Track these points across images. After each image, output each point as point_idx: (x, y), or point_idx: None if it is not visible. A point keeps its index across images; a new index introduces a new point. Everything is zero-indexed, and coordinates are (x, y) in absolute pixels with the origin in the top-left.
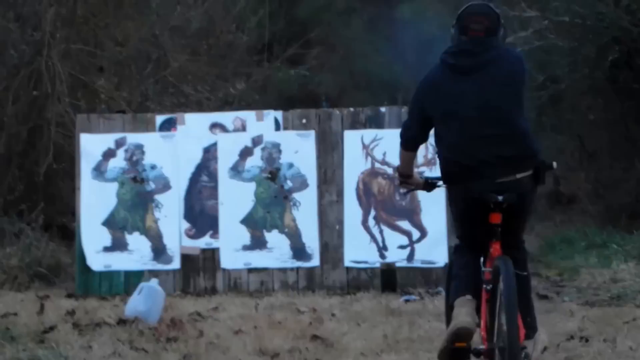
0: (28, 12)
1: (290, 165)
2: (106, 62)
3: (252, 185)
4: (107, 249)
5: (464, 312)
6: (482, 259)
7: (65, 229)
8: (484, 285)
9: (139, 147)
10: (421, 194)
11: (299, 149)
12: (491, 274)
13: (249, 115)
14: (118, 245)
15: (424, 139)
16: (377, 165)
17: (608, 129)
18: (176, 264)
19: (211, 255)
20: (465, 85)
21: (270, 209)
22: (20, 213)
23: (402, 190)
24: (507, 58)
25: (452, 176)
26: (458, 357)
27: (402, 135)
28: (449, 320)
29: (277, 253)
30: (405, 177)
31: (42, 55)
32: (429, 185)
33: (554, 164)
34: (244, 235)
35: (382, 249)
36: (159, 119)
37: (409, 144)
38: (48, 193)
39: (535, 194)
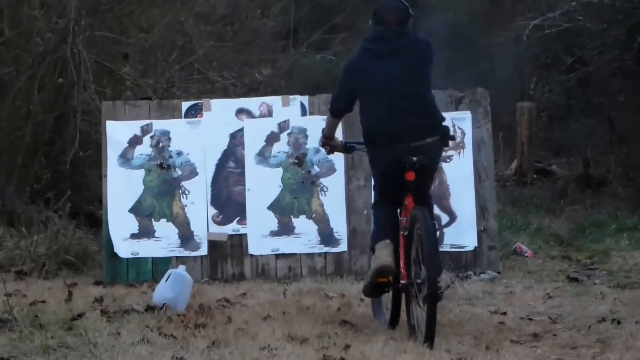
0: (53, 0)
1: (317, 151)
2: (131, 49)
3: (279, 171)
4: (134, 236)
5: (385, 253)
6: (398, 211)
7: (92, 216)
8: (402, 232)
9: (165, 134)
10: (450, 179)
11: None
12: (408, 222)
13: (275, 101)
14: (145, 232)
15: (349, 110)
16: None
17: (638, 111)
18: (203, 251)
19: (239, 241)
20: (384, 67)
21: (298, 195)
22: (47, 201)
23: (325, 151)
24: (417, 44)
25: (376, 142)
26: (380, 290)
27: (331, 104)
28: (374, 260)
29: (304, 239)
30: (328, 139)
31: (67, 43)
32: (347, 148)
33: (456, 135)
34: (272, 221)
35: None
36: (185, 105)
37: (336, 112)
38: (75, 181)
39: (441, 156)
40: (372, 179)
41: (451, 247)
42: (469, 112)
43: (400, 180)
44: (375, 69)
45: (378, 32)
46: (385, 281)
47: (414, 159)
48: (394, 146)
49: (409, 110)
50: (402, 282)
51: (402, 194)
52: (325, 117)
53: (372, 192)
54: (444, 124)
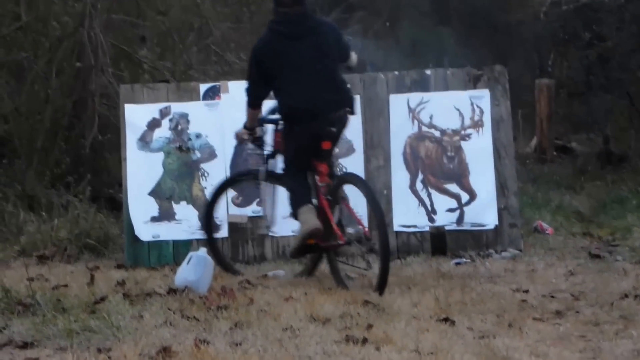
0: None
1: None
2: (148, 32)
3: None
4: (154, 219)
5: (311, 217)
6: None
7: (113, 200)
8: (327, 196)
9: (184, 117)
10: (470, 158)
11: None
12: (331, 187)
13: None
14: (165, 215)
15: (267, 94)
16: (424, 128)
17: None
18: (224, 233)
19: (259, 223)
20: (298, 48)
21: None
22: (67, 185)
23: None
24: (325, 27)
25: (297, 118)
26: (307, 251)
27: (249, 96)
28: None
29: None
30: (251, 131)
31: (84, 27)
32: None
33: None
34: None
35: (430, 212)
36: (203, 87)
37: (257, 102)
38: (94, 165)
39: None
40: (285, 153)
41: (472, 226)
42: (487, 90)
43: (316, 150)
44: (290, 50)
45: (286, 16)
46: (313, 242)
47: (333, 129)
48: (313, 120)
49: (324, 86)
50: (339, 242)
51: (316, 162)
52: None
53: (392, 173)
54: (351, 96)
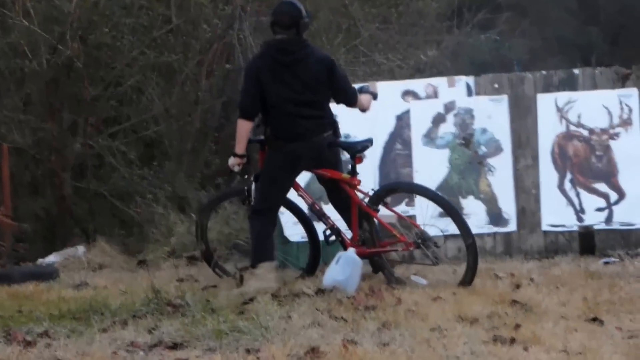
0: None
1: (484, 131)
2: None
3: (446, 152)
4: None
5: (271, 277)
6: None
7: None
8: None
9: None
10: (618, 157)
11: (492, 114)
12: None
13: (440, 82)
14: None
15: (258, 110)
16: (572, 127)
17: None
18: None
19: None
20: (287, 77)
21: (465, 175)
22: (217, 187)
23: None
24: (314, 59)
25: (279, 142)
26: None
27: (243, 106)
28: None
29: (473, 219)
30: (242, 157)
31: (234, 29)
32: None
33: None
34: None
35: (579, 212)
36: None
37: (251, 113)
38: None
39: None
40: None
41: (621, 225)
42: (636, 89)
43: (293, 171)
44: (280, 78)
45: (281, 43)
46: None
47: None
48: (294, 142)
49: (309, 115)
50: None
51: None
52: (491, 97)
53: (540, 172)
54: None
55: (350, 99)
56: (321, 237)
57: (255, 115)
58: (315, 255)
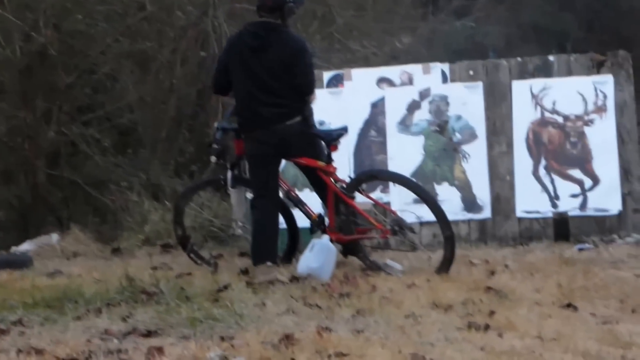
0: None
1: (459, 118)
2: None
3: (420, 139)
4: None
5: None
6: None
7: None
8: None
9: None
10: (593, 143)
11: (467, 101)
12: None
13: (415, 69)
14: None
15: (229, 88)
16: (547, 114)
17: None
18: None
19: (382, 209)
20: (252, 62)
21: (440, 162)
22: (191, 174)
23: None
24: (282, 44)
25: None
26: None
27: (214, 85)
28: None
29: (448, 206)
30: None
31: (208, 16)
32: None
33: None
34: None
35: (553, 198)
36: (326, 75)
37: (221, 90)
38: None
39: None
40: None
41: (595, 211)
42: (610, 76)
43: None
44: (248, 63)
45: (255, 26)
46: None
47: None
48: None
49: (271, 103)
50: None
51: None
52: (466, 84)
53: (515, 159)
54: (303, 108)
55: (303, 88)
56: (306, 225)
57: (227, 91)
58: (293, 243)
